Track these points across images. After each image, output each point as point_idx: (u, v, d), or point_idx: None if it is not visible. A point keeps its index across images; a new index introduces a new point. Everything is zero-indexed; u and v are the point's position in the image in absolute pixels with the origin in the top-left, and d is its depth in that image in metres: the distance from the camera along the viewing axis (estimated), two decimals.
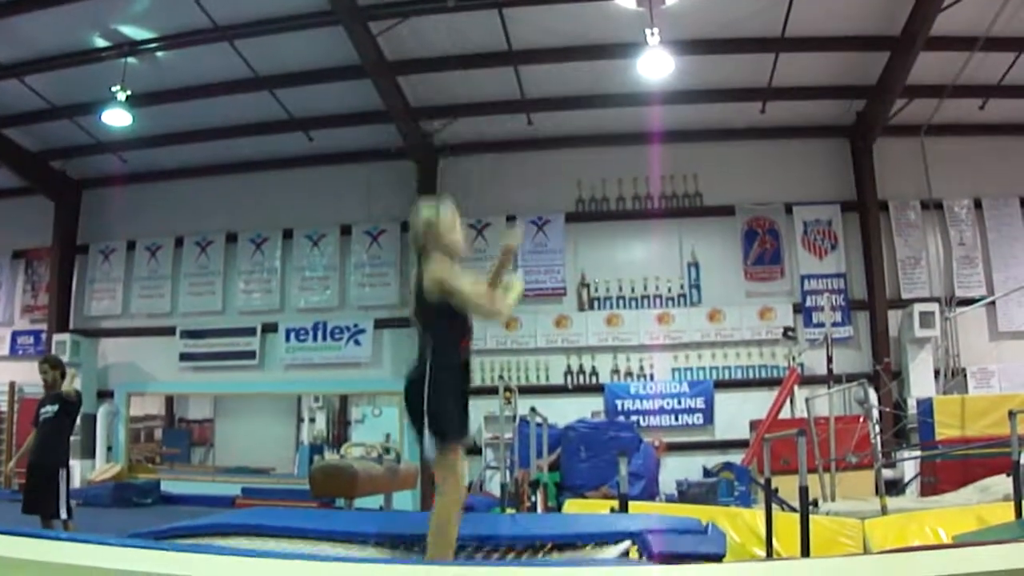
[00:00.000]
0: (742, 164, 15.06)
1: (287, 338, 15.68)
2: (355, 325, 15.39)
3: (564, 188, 15.15)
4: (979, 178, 15.14)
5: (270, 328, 15.78)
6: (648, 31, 11.81)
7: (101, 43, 12.92)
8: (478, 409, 14.38)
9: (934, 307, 14.28)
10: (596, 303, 14.96)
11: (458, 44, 13.02)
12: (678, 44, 12.46)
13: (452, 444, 4.54)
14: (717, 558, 5.39)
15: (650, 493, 12.75)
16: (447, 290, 4.56)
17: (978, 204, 15.13)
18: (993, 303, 14.45)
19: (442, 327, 4.63)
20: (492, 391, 12.95)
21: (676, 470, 13.38)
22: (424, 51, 13.20)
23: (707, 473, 13.28)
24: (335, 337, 15.45)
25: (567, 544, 5.28)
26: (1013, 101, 14.70)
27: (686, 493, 12.29)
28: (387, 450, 11.66)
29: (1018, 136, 15.28)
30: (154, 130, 14.88)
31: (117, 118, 13.57)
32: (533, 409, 11.18)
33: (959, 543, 6.22)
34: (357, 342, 15.36)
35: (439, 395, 4.49)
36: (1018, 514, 6.93)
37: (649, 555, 5.02)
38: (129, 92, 13.09)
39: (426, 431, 4.45)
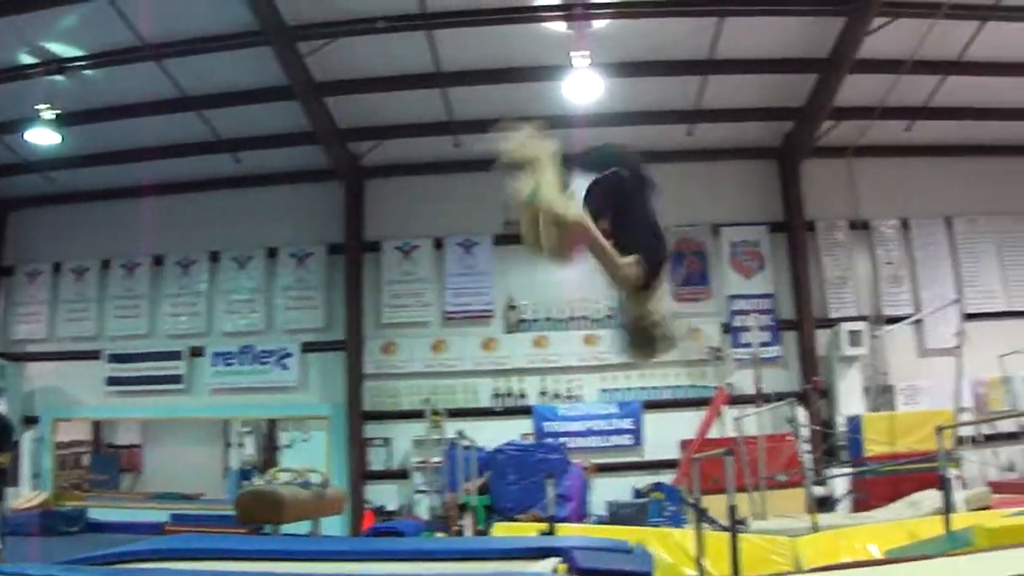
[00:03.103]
0: (669, 186, 14.40)
1: (214, 362, 15.45)
2: (282, 349, 15.18)
3: (492, 210, 14.88)
4: (906, 198, 15.30)
5: (197, 352, 15.55)
6: (576, 54, 11.79)
7: (28, 60, 12.68)
8: (406, 433, 14.28)
9: (862, 326, 14.42)
10: (524, 325, 14.88)
11: (387, 65, 13.01)
12: (606, 67, 12.52)
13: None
14: None
15: (580, 515, 12.74)
16: None
17: (905, 224, 15.30)
18: (920, 321, 14.54)
19: None
20: (418, 415, 12.85)
21: (606, 491, 13.49)
22: (353, 72, 13.18)
23: (637, 494, 13.30)
24: (262, 361, 15.23)
25: (493, 558, 5.37)
26: (939, 123, 14.95)
27: (616, 514, 12.30)
28: (315, 475, 11.49)
29: (944, 157, 15.50)
30: (82, 150, 14.65)
31: (43, 137, 13.36)
32: (460, 433, 11.07)
33: (891, 559, 6.20)
34: (284, 366, 15.15)
35: None
36: (947, 528, 7.03)
37: (577, 571, 5.08)
38: (57, 111, 12.87)
39: None
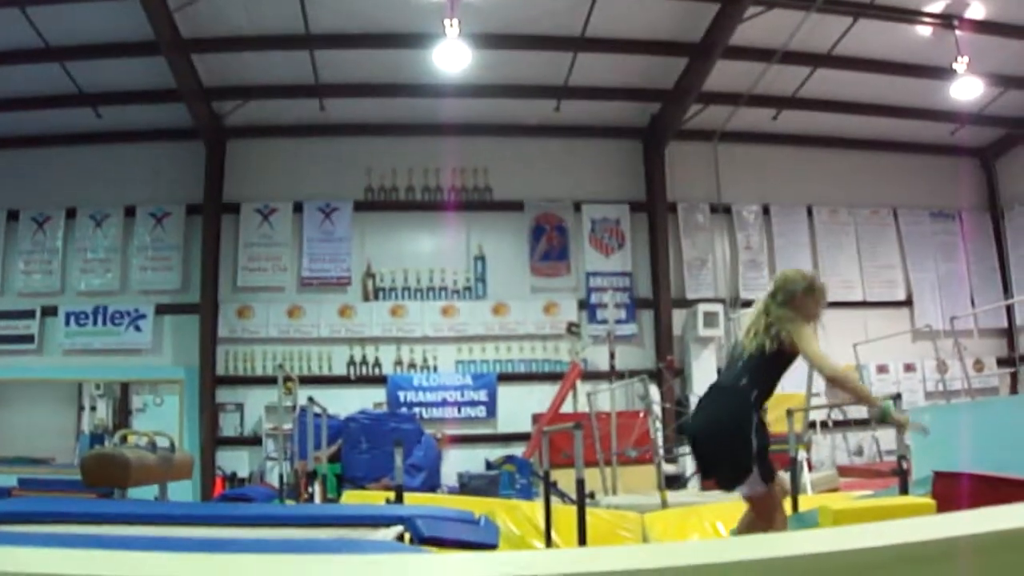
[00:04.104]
0: (534, 160, 15.08)
1: (67, 322, 14.95)
2: (136, 310, 14.77)
3: (354, 176, 14.88)
4: (768, 185, 15.50)
5: (50, 311, 15.03)
6: (447, 22, 11.66)
7: None
8: (257, 398, 14.03)
9: (719, 308, 14.52)
10: (381, 293, 14.71)
11: (256, 24, 12.66)
12: (477, 37, 12.32)
13: (772, 483, 4.73)
14: (489, 547, 5.61)
15: (432, 485, 12.62)
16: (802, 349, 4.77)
17: (766, 210, 15.49)
18: None
19: (766, 375, 4.82)
20: (272, 380, 12.61)
21: (459, 462, 13.41)
22: (221, 30, 12.81)
23: (489, 466, 13.25)
24: (115, 322, 14.81)
25: (337, 524, 5.28)
26: (805, 113, 15.12)
27: (467, 485, 12.23)
28: (163, 439, 11.21)
29: (808, 147, 15.75)
30: None
31: None
32: (311, 399, 10.89)
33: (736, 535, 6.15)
34: (138, 328, 14.75)
35: (759, 437, 4.65)
36: (795, 508, 7.01)
37: (420, 540, 5.03)
38: None
39: (755, 470, 4.60)
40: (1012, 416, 8.92)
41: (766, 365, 4.77)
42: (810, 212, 15.69)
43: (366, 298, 14.66)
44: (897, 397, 7.25)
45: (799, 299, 4.87)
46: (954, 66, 13.24)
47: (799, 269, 5.24)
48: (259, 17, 12.48)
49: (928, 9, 12.69)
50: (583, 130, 15.20)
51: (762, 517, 4.69)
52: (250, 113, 14.52)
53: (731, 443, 4.60)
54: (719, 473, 4.89)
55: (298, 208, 14.79)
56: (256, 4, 12.20)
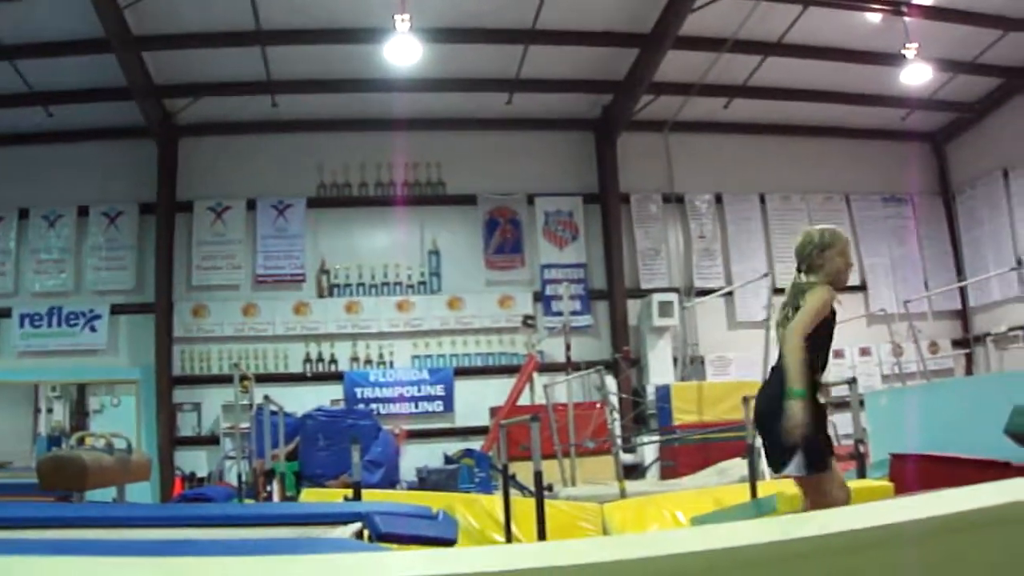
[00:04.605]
0: (486, 154, 15.11)
1: (22, 324, 14.84)
2: (91, 310, 14.68)
3: (307, 172, 14.83)
4: (721, 174, 15.62)
5: (4, 313, 14.91)
6: (399, 17, 11.64)
7: None
8: (214, 398, 14.01)
9: (673, 297, 14.64)
10: (336, 290, 14.69)
11: (207, 21, 12.59)
12: (428, 31, 12.33)
13: (823, 471, 4.44)
14: (447, 543, 5.63)
15: (391, 481, 12.62)
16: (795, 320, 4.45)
17: (719, 199, 15.60)
18: (731, 294, 14.86)
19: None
20: (229, 379, 12.58)
21: (417, 457, 13.34)
22: (171, 27, 12.69)
23: (448, 460, 13.25)
24: (71, 323, 14.72)
25: (296, 523, 5.34)
26: (756, 102, 15.22)
27: (426, 480, 12.25)
28: (120, 440, 11.17)
29: (759, 135, 15.87)
30: None
31: None
32: (267, 397, 10.88)
33: (696, 524, 6.22)
34: (93, 328, 14.67)
35: (807, 425, 4.30)
36: (753, 495, 7.15)
37: (378, 537, 5.07)
38: None
39: (799, 455, 4.34)
40: (967, 396, 9.06)
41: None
42: (763, 199, 15.83)
43: (321, 295, 14.63)
44: (852, 381, 7.30)
45: (818, 260, 4.56)
46: (904, 52, 13.37)
47: (810, 229, 4.78)
48: (210, 13, 12.41)
49: None
50: (535, 123, 15.24)
51: (812, 508, 4.36)
52: (202, 110, 14.43)
53: (771, 424, 4.39)
54: (767, 455, 4.73)
55: (251, 205, 14.74)
56: (207, 0, 12.12)
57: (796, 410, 4.17)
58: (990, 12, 13.25)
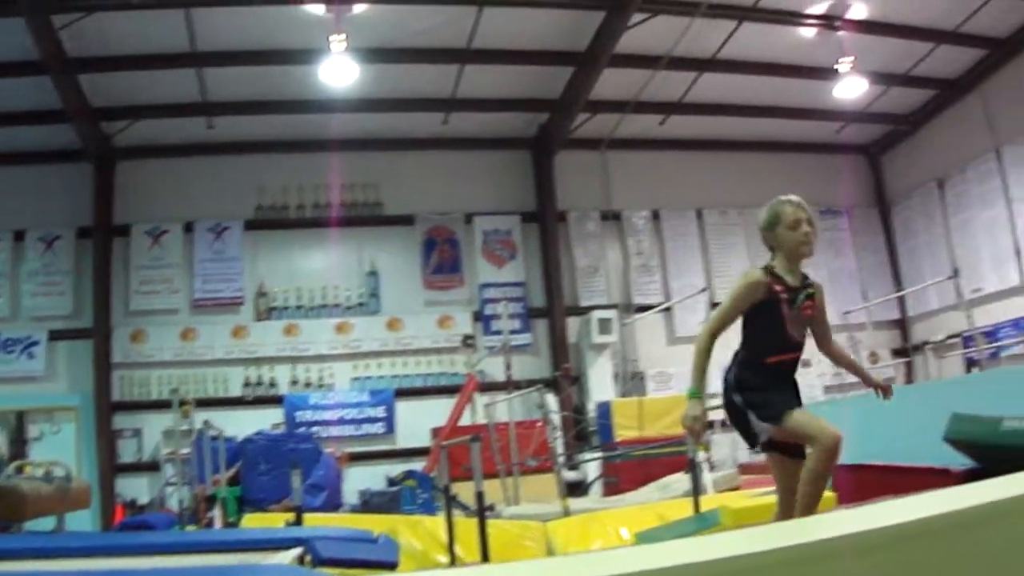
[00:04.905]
0: (423, 174, 15.14)
1: None
2: (28, 337, 14.53)
3: (244, 195, 14.78)
4: (658, 190, 15.73)
5: None
6: (334, 37, 11.65)
7: None
8: (154, 423, 13.93)
9: (612, 314, 14.72)
10: (274, 313, 14.64)
11: (143, 43, 12.50)
12: (364, 52, 12.37)
13: (784, 419, 4.10)
14: (388, 566, 5.58)
15: (333, 504, 12.57)
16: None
17: (656, 215, 15.70)
18: (669, 309, 14.95)
19: (747, 330, 4.28)
20: (169, 405, 12.53)
21: (360, 480, 13.35)
22: (108, 48, 12.62)
23: (390, 482, 13.22)
24: (7, 350, 14.56)
25: (236, 549, 5.26)
26: (692, 118, 15.37)
27: (369, 503, 12.22)
28: (59, 469, 11.07)
29: (695, 151, 16.01)
30: None
31: None
32: (206, 422, 10.83)
33: (641, 541, 6.24)
34: (31, 355, 14.52)
35: (752, 391, 4.16)
36: (697, 509, 7.13)
37: (319, 562, 5.01)
38: None
39: (751, 417, 4.13)
40: (908, 405, 9.15)
41: (744, 320, 4.29)
42: (700, 215, 15.99)
43: (259, 318, 14.58)
44: None
45: (771, 242, 4.31)
46: (838, 66, 13.59)
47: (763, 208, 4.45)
48: (146, 35, 12.33)
49: (811, 11, 13.00)
50: (472, 142, 15.31)
51: (804, 442, 4.13)
52: (139, 133, 14.33)
53: (732, 414, 4.27)
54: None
55: (189, 229, 14.68)
56: (143, 22, 12.04)
57: (688, 408, 4.05)
58: (923, 25, 13.49)
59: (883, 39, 13.61)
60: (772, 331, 4.21)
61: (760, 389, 4.16)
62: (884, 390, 4.56)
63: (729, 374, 4.25)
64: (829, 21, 13.19)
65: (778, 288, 4.19)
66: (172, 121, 14.34)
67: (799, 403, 4.23)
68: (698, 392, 4.05)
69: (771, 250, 4.30)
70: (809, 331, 4.37)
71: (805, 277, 4.29)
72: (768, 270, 4.23)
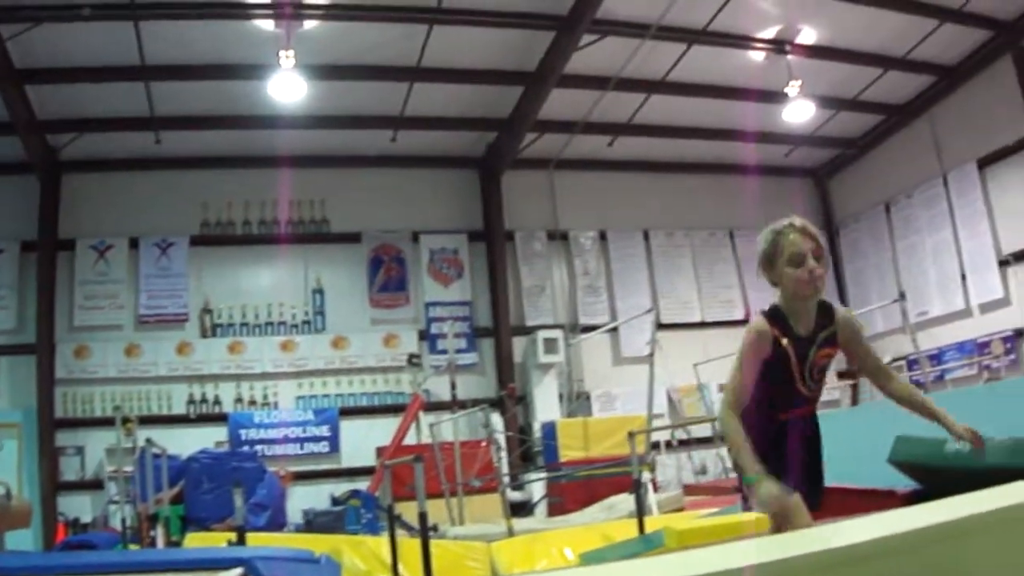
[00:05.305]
0: (371, 192, 15.13)
1: None
2: None
3: (190, 210, 14.69)
4: (605, 211, 15.82)
5: None
6: (283, 53, 11.63)
7: None
8: (97, 441, 13.80)
9: (558, 334, 14.79)
10: (219, 330, 14.55)
11: (91, 55, 12.39)
12: (313, 68, 12.37)
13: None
14: None
15: (277, 523, 12.50)
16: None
17: (603, 236, 15.79)
18: (615, 329, 15.03)
19: (763, 388, 3.55)
20: (111, 422, 12.42)
21: (304, 499, 13.31)
22: (55, 60, 12.49)
23: (335, 501, 13.19)
24: None
25: (177, 569, 5.27)
26: (641, 139, 15.51)
27: (313, 522, 12.16)
28: None
29: (644, 172, 16.14)
30: None
31: None
32: (149, 440, 10.73)
33: (585, 562, 6.25)
34: None
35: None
36: (641, 530, 7.13)
37: None
38: None
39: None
40: (853, 427, 9.26)
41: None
42: (647, 236, 16.09)
43: (204, 335, 14.49)
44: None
45: (770, 272, 3.57)
46: (787, 90, 13.72)
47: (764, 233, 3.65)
48: (95, 48, 12.21)
49: (761, 35, 13.16)
50: (420, 160, 15.32)
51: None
52: (86, 146, 14.21)
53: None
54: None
55: (134, 244, 14.54)
56: (92, 34, 11.91)
57: (760, 494, 3.30)
58: (871, 51, 13.72)
59: (832, 64, 13.83)
60: (778, 387, 3.53)
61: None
62: (972, 439, 3.58)
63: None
64: (779, 45, 13.36)
65: (785, 342, 3.47)
66: (119, 135, 14.22)
67: (802, 471, 3.58)
68: (756, 474, 3.34)
69: (773, 284, 3.60)
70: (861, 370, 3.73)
71: (823, 311, 3.56)
72: (772, 315, 3.54)
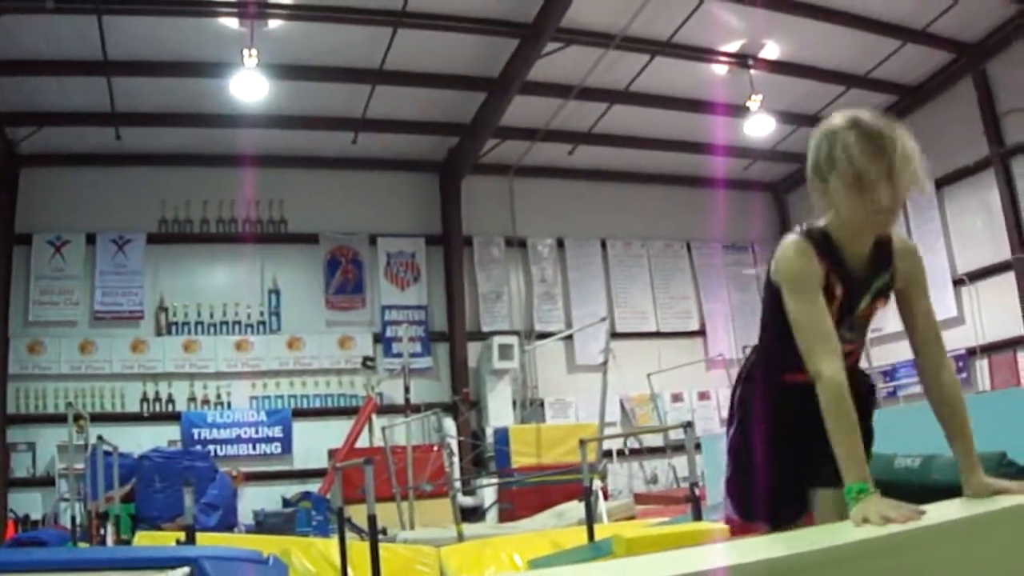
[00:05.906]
0: (330, 193, 15.15)
1: None
2: None
3: (148, 207, 14.60)
4: (563, 219, 15.89)
5: None
6: (246, 52, 11.62)
7: None
8: (49, 437, 13.73)
9: (513, 340, 14.85)
10: (174, 328, 14.50)
11: (52, 49, 12.29)
12: (275, 68, 12.37)
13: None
14: None
15: (228, 524, 12.49)
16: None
17: (561, 243, 15.87)
18: (571, 337, 15.11)
19: (770, 338, 2.69)
20: (64, 419, 12.37)
21: (255, 500, 13.29)
22: (15, 53, 12.35)
23: (286, 503, 13.19)
24: None
25: (125, 567, 5.21)
26: (601, 148, 15.59)
27: (264, 523, 12.15)
28: None
29: (603, 181, 16.22)
30: None
31: None
32: (100, 438, 10.71)
33: (534, 568, 6.29)
34: None
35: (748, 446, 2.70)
36: (591, 537, 7.13)
37: None
38: None
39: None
40: None
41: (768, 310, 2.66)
42: (604, 245, 16.19)
43: (159, 333, 14.42)
44: (689, 425, 7.41)
45: (821, 197, 2.60)
46: (748, 104, 13.85)
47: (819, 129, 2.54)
48: (56, 41, 12.07)
49: (724, 48, 13.27)
50: (380, 163, 15.34)
51: None
52: (45, 141, 14.08)
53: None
54: None
55: (91, 240, 14.44)
56: (53, 27, 11.76)
57: (866, 509, 2.21)
58: (833, 68, 13.86)
59: (794, 80, 13.94)
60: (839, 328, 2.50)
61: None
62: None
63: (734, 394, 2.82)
64: (742, 59, 13.46)
65: (834, 277, 2.51)
66: (79, 130, 14.14)
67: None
68: (866, 482, 2.30)
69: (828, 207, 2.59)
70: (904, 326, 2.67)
71: (878, 247, 2.58)
72: (817, 237, 2.54)
